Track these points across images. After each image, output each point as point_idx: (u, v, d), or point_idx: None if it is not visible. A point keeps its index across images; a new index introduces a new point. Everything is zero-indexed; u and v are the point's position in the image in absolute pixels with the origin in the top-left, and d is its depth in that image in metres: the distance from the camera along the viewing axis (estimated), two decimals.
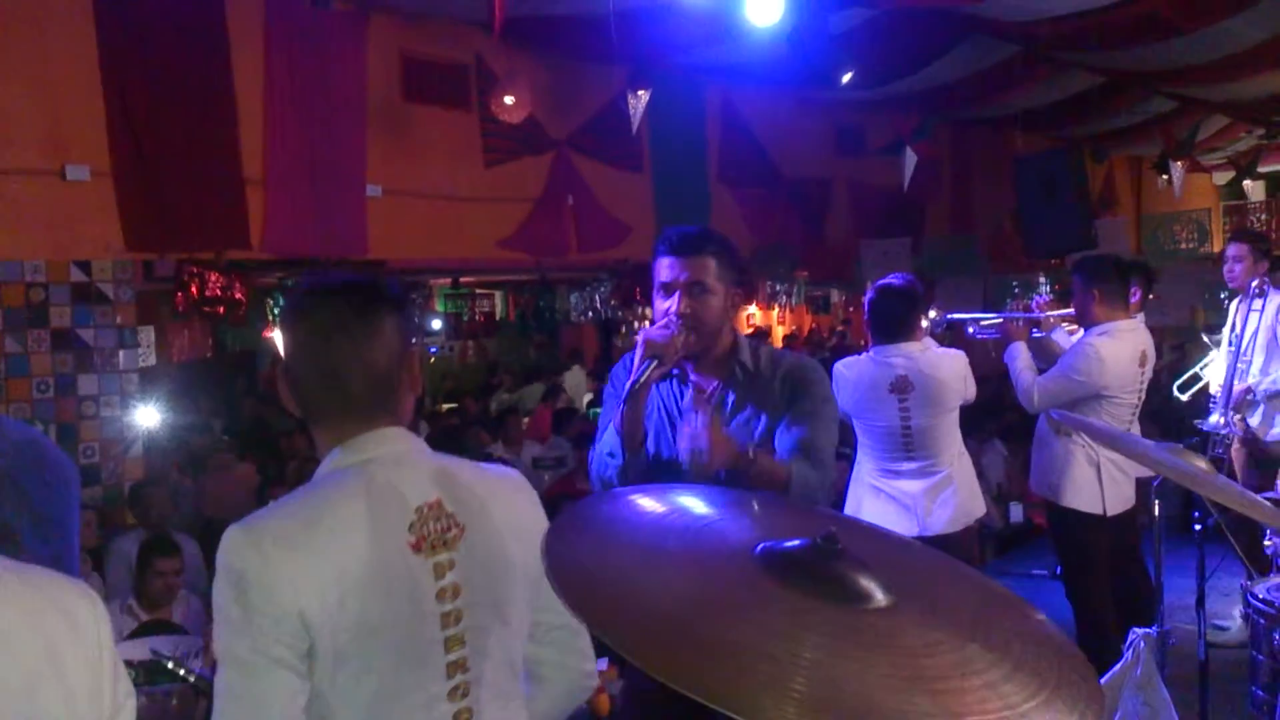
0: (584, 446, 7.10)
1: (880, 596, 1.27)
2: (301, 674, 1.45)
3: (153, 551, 4.67)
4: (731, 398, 2.65)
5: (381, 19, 7.03)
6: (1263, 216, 14.98)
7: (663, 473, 2.61)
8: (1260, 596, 2.71)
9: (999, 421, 8.35)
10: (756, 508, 1.66)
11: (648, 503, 1.57)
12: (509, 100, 7.08)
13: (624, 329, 9.59)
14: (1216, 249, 13.00)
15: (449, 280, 12.27)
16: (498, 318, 14.29)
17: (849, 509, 4.12)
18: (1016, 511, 7.99)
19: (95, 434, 5.92)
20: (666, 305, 2.59)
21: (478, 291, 13.79)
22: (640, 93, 7.31)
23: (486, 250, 8.00)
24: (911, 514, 3.96)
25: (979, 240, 11.43)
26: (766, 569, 1.30)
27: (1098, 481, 4.38)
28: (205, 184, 6.21)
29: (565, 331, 13.64)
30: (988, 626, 1.33)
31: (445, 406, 10.59)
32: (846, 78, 7.73)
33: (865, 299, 4.15)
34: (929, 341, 4.18)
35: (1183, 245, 11.98)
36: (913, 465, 4.04)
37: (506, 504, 1.68)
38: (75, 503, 2.65)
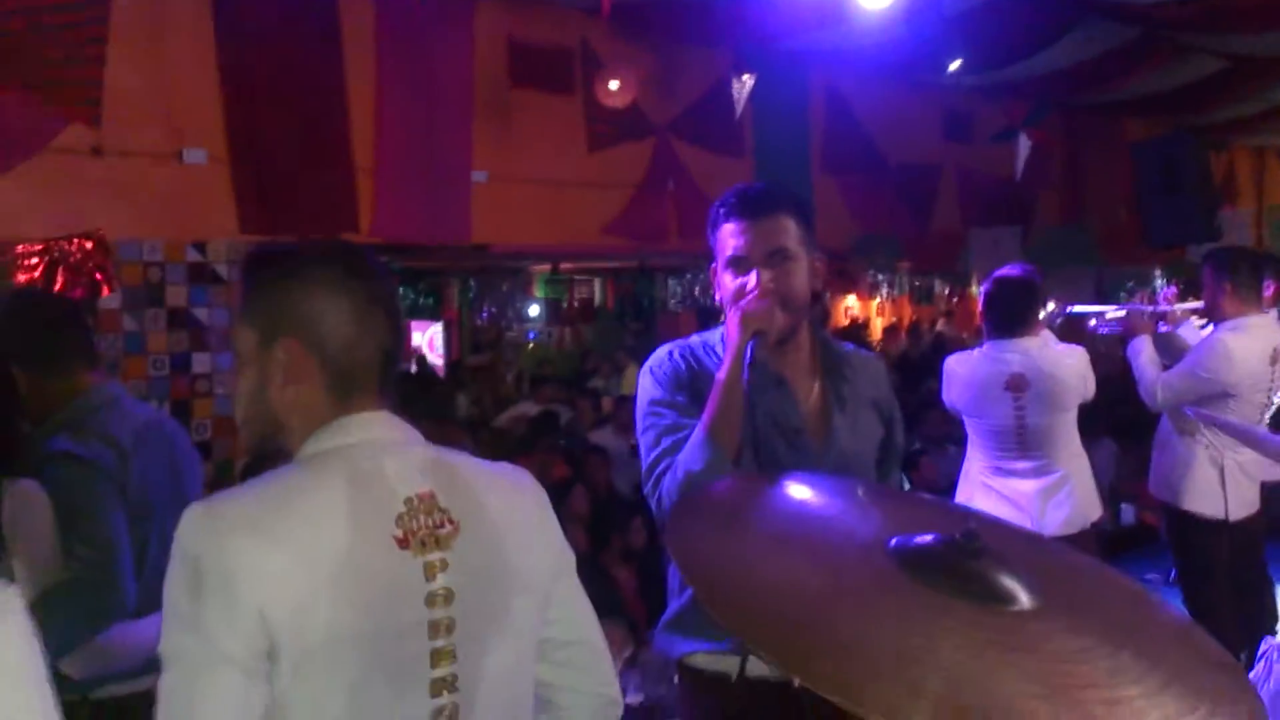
0: None
1: (1024, 598, 1.20)
2: (257, 677, 1.25)
3: None
4: (836, 397, 2.21)
5: (488, 5, 7.08)
6: None
7: None
8: None
9: (1111, 419, 8.07)
10: (862, 494, 1.60)
11: (768, 490, 1.53)
12: (614, 85, 7.07)
13: (723, 318, 9.49)
14: None
15: (549, 266, 12.33)
16: (596, 304, 14.31)
17: None
18: (1128, 513, 7.73)
19: (209, 411, 6.09)
20: (741, 282, 2.10)
21: (576, 278, 13.84)
22: (745, 77, 7.23)
23: (588, 236, 8.01)
24: (1025, 515, 3.82)
25: (1092, 230, 11.07)
26: (901, 565, 1.24)
27: (1220, 484, 4.19)
28: (317, 169, 6.34)
29: (663, 320, 13.61)
30: (1139, 633, 1.26)
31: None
32: (955, 65, 7.55)
33: (982, 290, 4.02)
34: (1047, 336, 4.03)
35: None
36: (1027, 464, 3.89)
37: (508, 503, 1.49)
38: (198, 483, 2.72)
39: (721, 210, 2.16)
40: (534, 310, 13.32)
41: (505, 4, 7.21)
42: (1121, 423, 7.86)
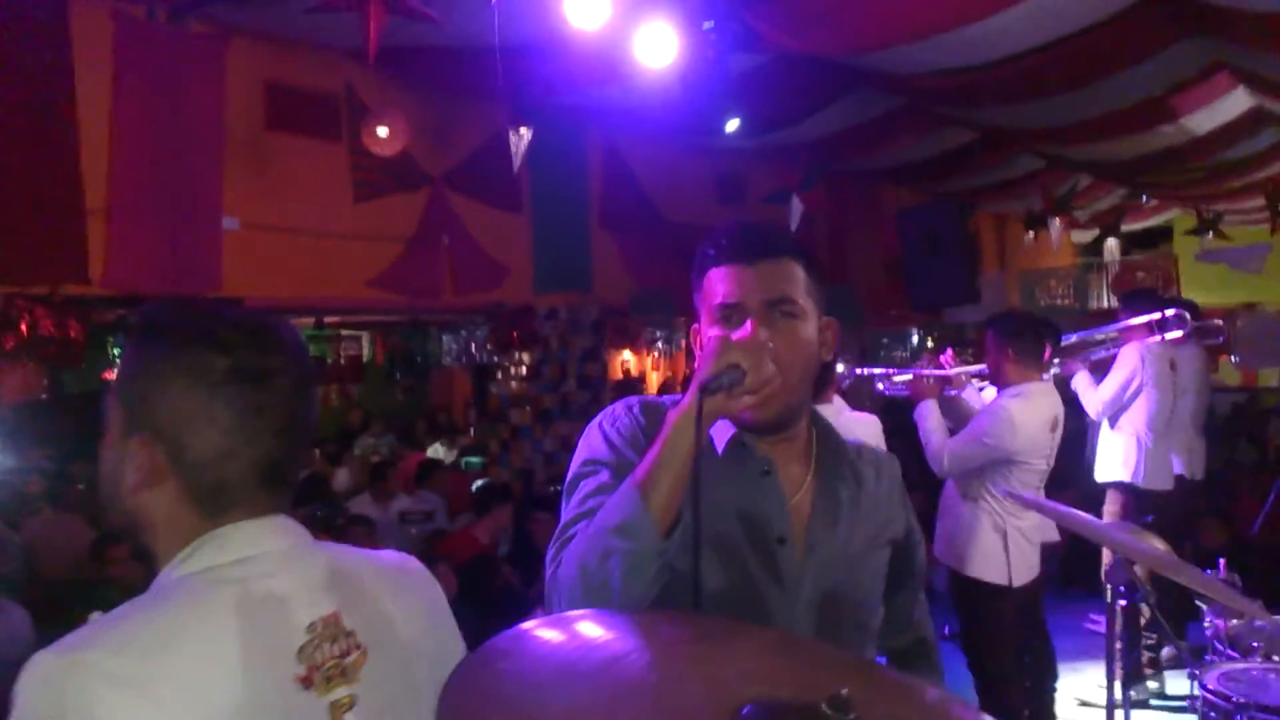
0: (462, 501, 6.61)
1: None
2: None
3: None
4: (831, 501, 1.67)
5: (244, 42, 6.55)
6: (1114, 273, 15.60)
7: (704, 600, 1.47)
8: (1211, 688, 2.50)
9: None
10: (703, 631, 1.31)
11: (585, 636, 1.21)
12: (382, 132, 6.67)
13: (500, 374, 9.19)
14: (1097, 305, 13.38)
15: (312, 321, 11.68)
16: (364, 360, 13.70)
17: None
18: None
19: None
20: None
21: (343, 333, 13.20)
22: (522, 131, 6.98)
23: (354, 290, 7.53)
24: None
25: (857, 292, 11.47)
26: None
27: (1004, 550, 4.21)
28: (41, 211, 5.62)
29: (436, 376, 13.13)
30: None
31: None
32: (734, 125, 7.59)
33: None
34: (841, 403, 3.93)
35: (1059, 301, 12.26)
36: None
37: (413, 610, 1.28)
38: None
39: (710, 252, 1.66)
40: None
41: (262, 41, 6.70)
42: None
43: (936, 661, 1.86)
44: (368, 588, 1.24)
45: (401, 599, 1.27)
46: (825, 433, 1.75)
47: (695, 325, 1.72)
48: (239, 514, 1.19)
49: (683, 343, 12.34)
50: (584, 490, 1.60)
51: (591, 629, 1.18)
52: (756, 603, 1.58)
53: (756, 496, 1.62)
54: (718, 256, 1.64)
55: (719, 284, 1.63)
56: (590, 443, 1.68)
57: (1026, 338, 4.15)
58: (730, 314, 1.61)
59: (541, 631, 1.18)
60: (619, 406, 1.72)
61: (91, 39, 5.81)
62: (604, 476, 1.59)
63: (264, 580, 1.16)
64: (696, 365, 1.55)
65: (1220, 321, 6.32)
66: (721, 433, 1.64)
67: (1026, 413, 4.05)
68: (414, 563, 1.36)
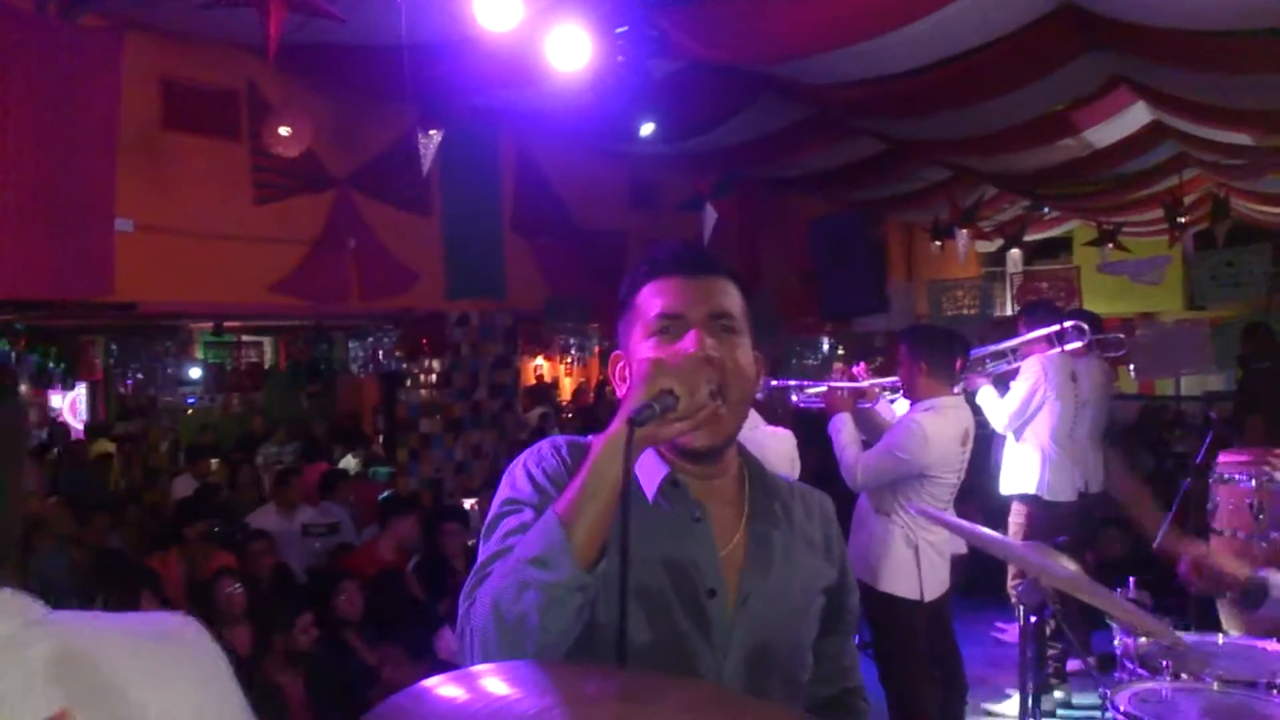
0: (371, 513, 6.42)
1: None
2: None
3: None
4: (763, 548, 1.59)
5: (139, 37, 6.26)
6: (1018, 283, 15.97)
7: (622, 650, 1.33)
8: (1123, 709, 2.49)
9: None
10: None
11: (492, 694, 1.12)
12: (285, 131, 6.45)
13: (409, 382, 8.98)
14: (1000, 313, 13.61)
15: (211, 326, 11.31)
16: (266, 366, 13.31)
17: None
18: None
19: None
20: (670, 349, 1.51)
21: (244, 339, 12.82)
22: (432, 133, 6.82)
23: (255, 294, 7.28)
24: None
25: (770, 301, 11.52)
26: None
27: (916, 565, 4.22)
28: None
29: (343, 383, 12.84)
30: None
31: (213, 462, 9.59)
32: (648, 129, 7.55)
33: None
34: (756, 417, 3.88)
35: (965, 311, 12.46)
36: None
37: (179, 693, 1.05)
38: None
39: (644, 268, 1.60)
40: (194, 373, 12.14)
41: (160, 36, 6.43)
42: None
43: (862, 713, 1.80)
44: (113, 672, 1.01)
45: (158, 679, 1.04)
46: (757, 472, 1.67)
47: (616, 353, 1.65)
48: None
49: (596, 349, 12.29)
50: (504, 529, 1.51)
51: (500, 685, 1.08)
52: (684, 658, 1.50)
53: (687, 545, 1.53)
54: (653, 270, 1.59)
55: (657, 296, 1.57)
56: (513, 481, 1.59)
57: (940, 351, 4.17)
58: (670, 325, 1.54)
59: (444, 689, 1.08)
60: (545, 445, 1.63)
61: None
62: (526, 515, 1.50)
63: None
64: (625, 390, 1.47)
65: (1121, 335, 6.45)
66: (652, 475, 1.56)
67: (939, 426, 4.06)
68: (187, 628, 1.11)
